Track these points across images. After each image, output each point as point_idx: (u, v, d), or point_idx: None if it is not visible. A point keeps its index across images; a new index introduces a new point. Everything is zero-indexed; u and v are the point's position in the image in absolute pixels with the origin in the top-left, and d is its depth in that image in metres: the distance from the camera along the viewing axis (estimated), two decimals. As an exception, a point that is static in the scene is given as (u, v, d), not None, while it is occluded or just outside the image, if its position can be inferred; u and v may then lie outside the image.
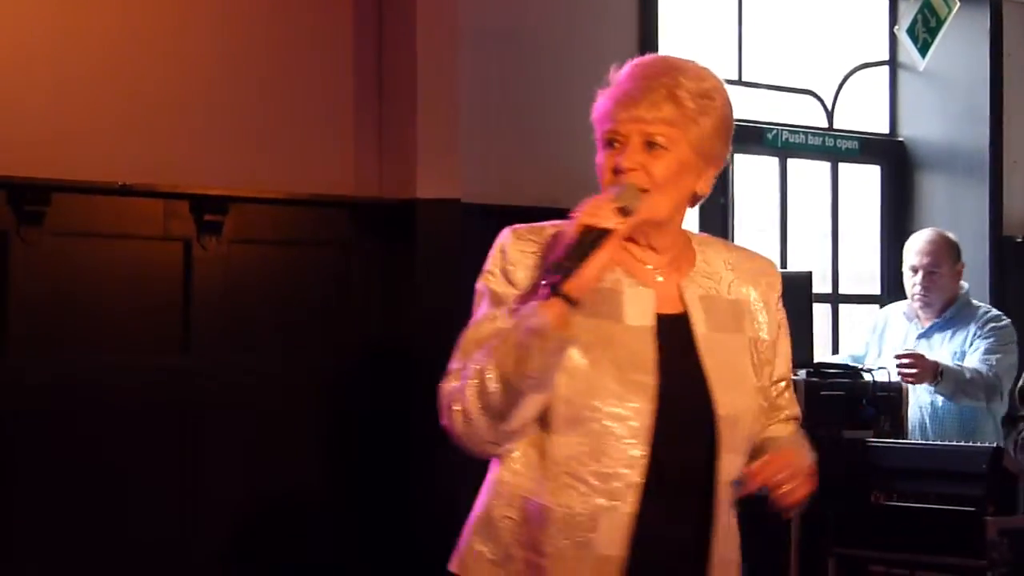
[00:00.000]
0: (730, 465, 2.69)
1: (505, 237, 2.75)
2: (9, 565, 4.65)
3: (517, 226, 2.76)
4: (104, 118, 4.95)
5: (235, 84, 5.22)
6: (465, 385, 2.60)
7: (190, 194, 5.06)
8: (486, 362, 2.58)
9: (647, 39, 6.23)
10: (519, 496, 2.69)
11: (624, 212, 2.59)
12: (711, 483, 2.68)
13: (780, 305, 2.85)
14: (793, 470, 2.69)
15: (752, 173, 7.07)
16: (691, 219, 6.74)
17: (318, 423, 5.31)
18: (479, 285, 2.74)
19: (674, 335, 2.69)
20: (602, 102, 2.70)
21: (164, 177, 5.02)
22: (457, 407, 2.62)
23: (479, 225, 5.33)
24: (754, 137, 6.89)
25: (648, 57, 2.77)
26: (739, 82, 6.90)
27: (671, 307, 2.72)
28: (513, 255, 2.71)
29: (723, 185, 6.91)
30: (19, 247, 4.73)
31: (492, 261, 2.74)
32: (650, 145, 2.64)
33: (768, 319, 2.80)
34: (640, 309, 2.68)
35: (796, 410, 2.90)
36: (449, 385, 2.66)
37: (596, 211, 2.57)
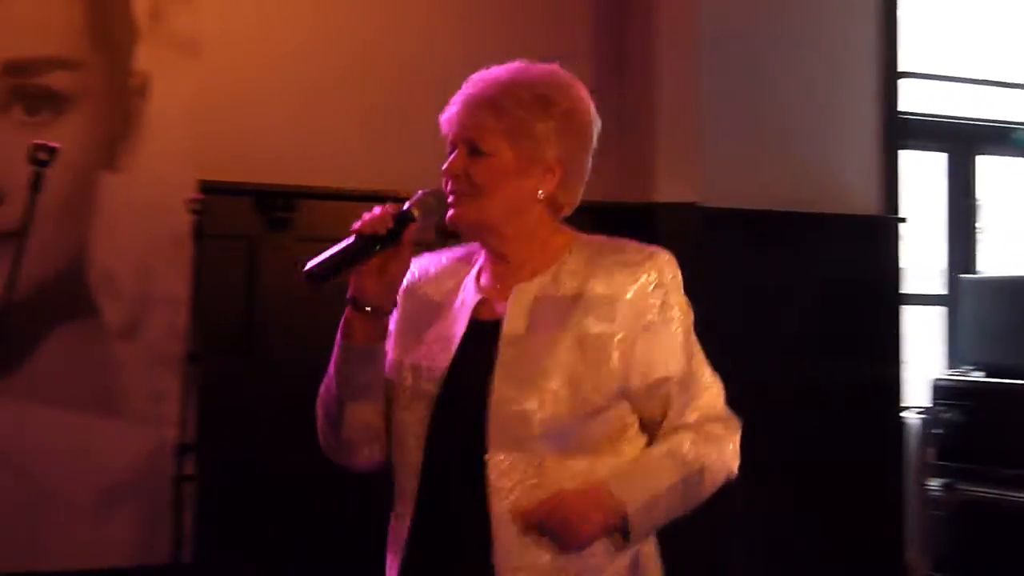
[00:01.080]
0: (512, 465, 2.54)
1: None
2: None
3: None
4: (349, 125, 5.05)
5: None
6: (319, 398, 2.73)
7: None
8: (328, 375, 2.69)
9: (888, 36, 6.10)
10: None
11: (405, 219, 2.57)
12: (484, 488, 2.55)
13: (662, 300, 2.63)
14: (562, 516, 2.51)
15: (1001, 174, 6.88)
16: (938, 217, 6.61)
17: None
18: None
19: (481, 340, 2.61)
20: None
21: (407, 183, 5.09)
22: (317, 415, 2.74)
23: (718, 228, 5.32)
24: (1000, 137, 6.69)
25: (496, 67, 2.74)
26: (980, 80, 6.72)
27: (495, 313, 2.65)
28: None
29: (967, 186, 6.74)
30: (266, 252, 4.87)
31: None
32: (474, 151, 2.63)
33: (625, 313, 2.61)
34: (455, 318, 2.66)
35: (689, 417, 2.65)
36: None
37: (374, 218, 2.58)
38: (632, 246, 2.68)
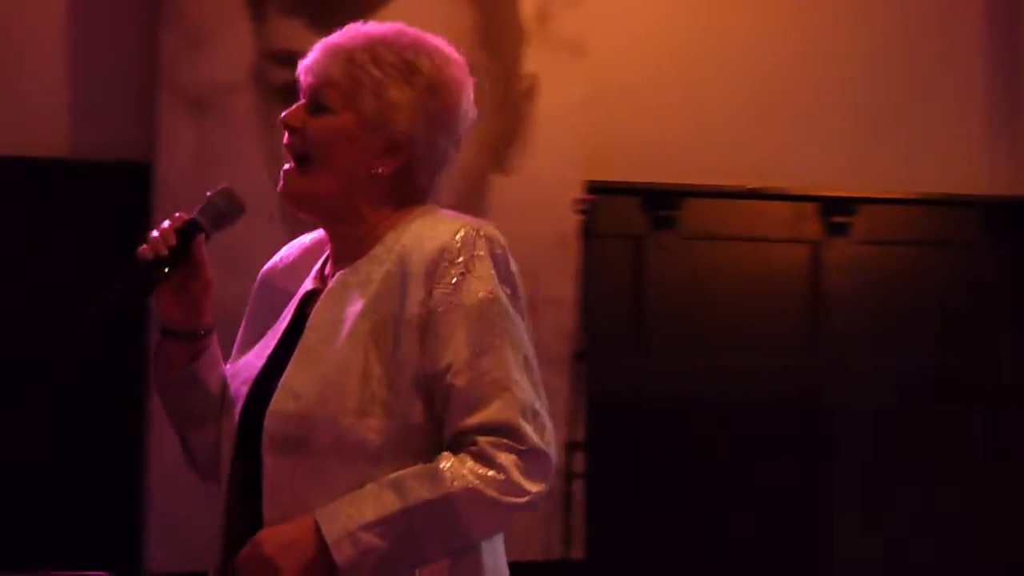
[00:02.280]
0: (289, 471, 2.17)
1: None
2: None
3: None
4: (731, 122, 5.01)
5: (863, 84, 5.15)
6: None
7: (818, 196, 5.06)
8: None
9: None
10: None
11: (191, 231, 2.23)
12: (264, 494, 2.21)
13: (457, 279, 2.17)
14: (256, 567, 2.13)
15: None
16: None
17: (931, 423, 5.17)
18: None
19: (293, 337, 2.27)
20: None
21: (792, 180, 5.04)
22: None
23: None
24: None
25: (371, 23, 2.36)
26: None
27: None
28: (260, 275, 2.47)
29: None
30: (652, 251, 4.88)
31: None
32: (316, 106, 2.28)
33: (417, 293, 2.18)
34: (288, 312, 2.33)
35: (464, 421, 2.13)
36: None
37: (155, 240, 2.23)
38: (447, 217, 2.25)
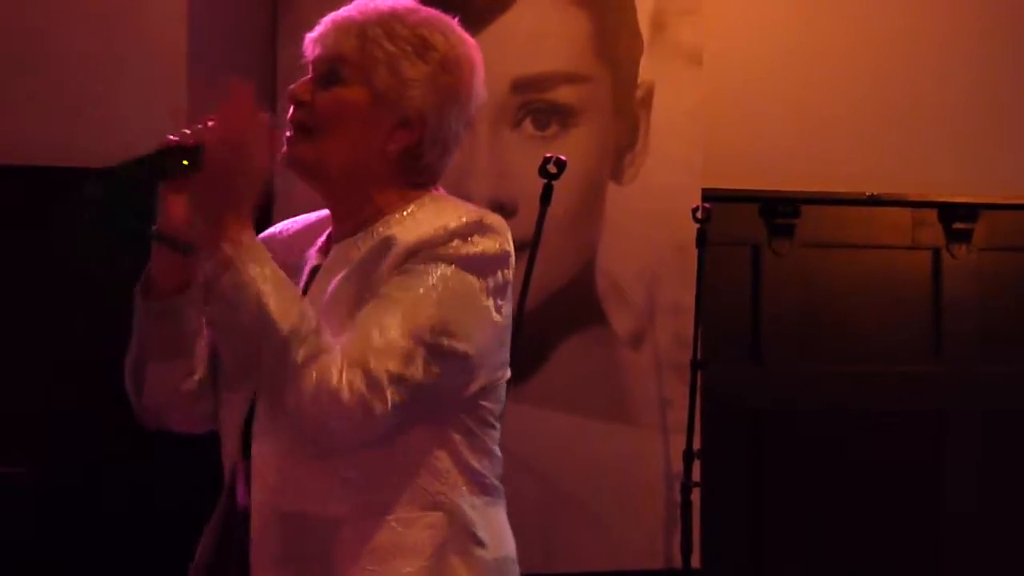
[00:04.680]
0: (277, 447, 2.14)
1: None
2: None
3: None
4: (848, 128, 4.97)
5: (982, 87, 5.09)
6: None
7: (939, 202, 5.01)
8: None
9: None
10: None
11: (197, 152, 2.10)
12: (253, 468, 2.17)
13: (422, 255, 2.11)
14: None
15: None
16: None
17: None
18: None
19: None
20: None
21: (912, 186, 4.99)
22: None
23: None
24: None
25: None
26: None
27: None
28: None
29: None
30: (770, 258, 4.85)
31: None
32: (326, 79, 2.22)
33: (390, 264, 2.11)
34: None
35: (344, 341, 2.05)
36: None
37: (189, 132, 2.14)
38: (454, 204, 2.23)
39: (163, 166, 2.11)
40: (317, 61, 2.25)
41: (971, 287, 5.04)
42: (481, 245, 2.15)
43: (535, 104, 4.42)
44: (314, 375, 2.01)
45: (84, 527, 4.23)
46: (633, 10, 4.50)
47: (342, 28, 2.23)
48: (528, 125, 4.42)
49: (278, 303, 2.03)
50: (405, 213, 2.21)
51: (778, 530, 4.83)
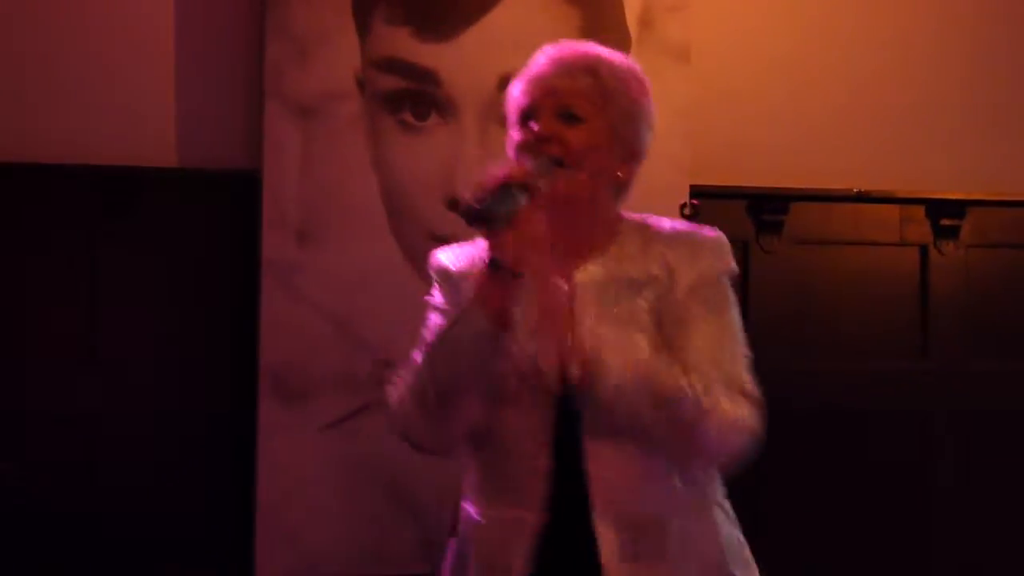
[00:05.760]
0: (617, 454, 2.44)
1: (431, 257, 2.63)
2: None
3: (439, 248, 2.65)
4: (836, 124, 4.97)
5: (970, 84, 5.10)
6: (405, 384, 2.47)
7: (927, 199, 5.01)
8: (426, 358, 2.43)
9: None
10: (465, 505, 2.62)
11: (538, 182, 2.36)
12: (592, 478, 2.45)
13: (711, 276, 2.54)
14: None
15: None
16: None
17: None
18: (427, 298, 2.63)
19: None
20: (515, 84, 2.50)
21: (900, 183, 4.99)
22: (392, 399, 2.50)
23: None
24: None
25: (565, 41, 2.55)
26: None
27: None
28: (435, 271, 2.61)
29: None
30: (758, 255, 4.85)
31: (433, 280, 2.63)
32: (567, 117, 2.44)
33: (677, 291, 2.49)
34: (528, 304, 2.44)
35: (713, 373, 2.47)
36: (393, 388, 2.51)
37: (515, 169, 2.36)
38: (692, 229, 2.59)
39: (512, 202, 2.31)
40: (550, 102, 2.45)
41: (959, 283, 5.04)
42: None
43: (523, 101, 4.42)
44: (716, 410, 2.41)
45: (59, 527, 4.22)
46: (621, 7, 4.50)
47: (572, 69, 2.46)
48: (516, 122, 4.41)
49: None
50: (627, 239, 2.52)
51: (767, 526, 4.82)
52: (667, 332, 2.45)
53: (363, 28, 4.32)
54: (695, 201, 4.37)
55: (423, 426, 2.47)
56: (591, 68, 2.47)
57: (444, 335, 2.41)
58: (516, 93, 2.51)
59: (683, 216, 4.34)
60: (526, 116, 2.48)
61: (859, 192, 4.92)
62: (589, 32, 4.44)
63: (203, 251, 4.32)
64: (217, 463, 4.30)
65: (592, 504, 2.43)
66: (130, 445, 4.25)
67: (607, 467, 2.44)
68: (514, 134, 2.51)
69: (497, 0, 4.40)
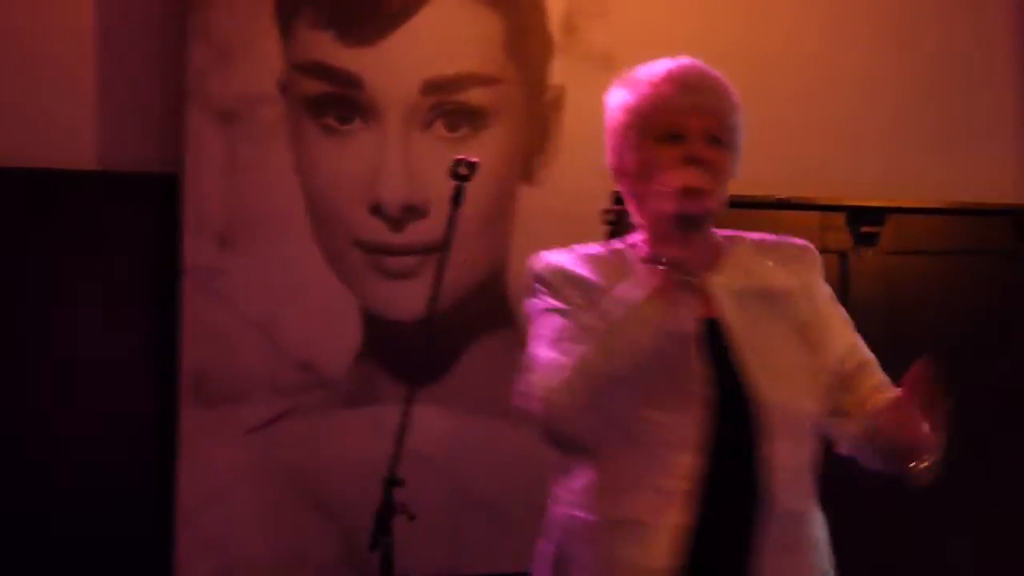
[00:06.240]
0: (787, 454, 2.60)
1: (536, 263, 2.79)
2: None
3: (540, 254, 2.80)
4: (758, 132, 4.85)
5: (893, 93, 5.15)
6: (567, 381, 2.52)
7: (847, 206, 5.05)
8: (589, 345, 2.52)
9: None
10: (570, 510, 2.70)
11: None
12: (763, 475, 2.58)
13: (823, 282, 2.84)
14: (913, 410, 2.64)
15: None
16: None
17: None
18: (530, 305, 2.74)
19: (712, 336, 2.63)
20: (659, 90, 2.64)
21: (820, 190, 5.03)
22: (552, 392, 2.54)
23: None
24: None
25: (687, 58, 2.73)
26: None
27: (704, 307, 2.65)
28: (551, 274, 2.74)
29: None
30: (680, 261, 4.88)
31: (537, 287, 2.76)
32: (713, 140, 2.62)
33: (812, 300, 2.78)
34: (679, 312, 2.56)
35: (883, 377, 2.86)
36: (537, 375, 2.59)
37: (681, 200, 2.54)
38: (782, 238, 2.87)
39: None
40: (704, 126, 2.61)
41: (878, 290, 5.09)
42: None
43: (446, 106, 4.42)
44: None
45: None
46: (543, 12, 4.51)
47: (721, 96, 2.66)
48: (439, 127, 4.41)
49: None
50: (735, 251, 2.76)
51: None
52: (812, 338, 2.71)
53: (286, 32, 4.30)
54: (617, 207, 4.38)
55: (590, 417, 2.55)
56: (730, 96, 2.67)
57: (622, 324, 2.50)
58: (661, 101, 2.63)
59: (605, 223, 4.35)
60: (675, 132, 2.62)
61: (780, 199, 4.95)
62: (513, 37, 4.45)
63: (125, 254, 4.28)
64: (138, 467, 4.27)
65: (761, 500, 2.55)
66: (51, 446, 4.21)
67: (780, 464, 2.57)
68: (652, 151, 2.65)
69: (421, 5, 4.40)
